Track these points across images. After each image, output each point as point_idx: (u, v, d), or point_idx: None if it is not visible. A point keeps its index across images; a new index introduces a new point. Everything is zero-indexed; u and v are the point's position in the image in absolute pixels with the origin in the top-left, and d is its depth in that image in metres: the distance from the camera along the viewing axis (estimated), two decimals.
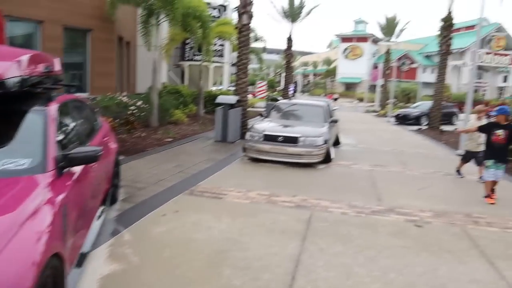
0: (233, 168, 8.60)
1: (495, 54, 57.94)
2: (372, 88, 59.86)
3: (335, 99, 43.70)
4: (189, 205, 5.81)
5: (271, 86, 75.90)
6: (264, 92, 28.69)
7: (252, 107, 30.32)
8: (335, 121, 10.70)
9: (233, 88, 15.28)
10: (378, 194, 6.91)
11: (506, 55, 58.91)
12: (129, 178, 6.84)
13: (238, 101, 12.61)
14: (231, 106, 12.04)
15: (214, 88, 27.74)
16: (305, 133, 9.00)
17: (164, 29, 17.08)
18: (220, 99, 12.29)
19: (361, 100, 48.15)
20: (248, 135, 9.37)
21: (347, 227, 5.18)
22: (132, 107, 11.60)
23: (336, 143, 12.24)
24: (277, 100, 18.66)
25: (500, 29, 58.33)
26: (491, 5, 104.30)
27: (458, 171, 8.73)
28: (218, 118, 11.89)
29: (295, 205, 6.03)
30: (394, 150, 12.24)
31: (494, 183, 6.69)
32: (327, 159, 9.22)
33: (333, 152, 10.05)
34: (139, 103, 12.01)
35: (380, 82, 39.13)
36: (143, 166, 8.04)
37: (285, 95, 29.56)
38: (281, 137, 8.90)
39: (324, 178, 8.08)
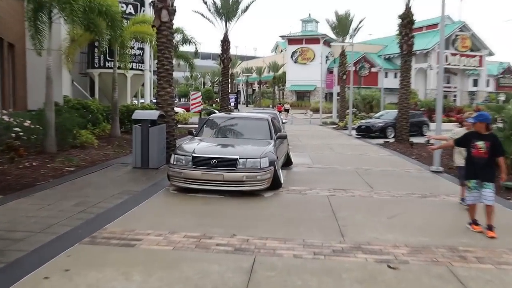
0: (153, 203, 7.95)
1: (462, 55, 61.69)
2: (329, 96, 61.47)
3: (286, 110, 43.99)
4: (86, 259, 5.09)
5: (209, 97, 75.79)
6: (200, 105, 28.22)
7: (185, 123, 29.77)
8: (283, 137, 10.38)
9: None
10: (339, 227, 6.54)
11: (473, 56, 62.87)
12: (1, 227, 5.99)
13: (161, 116, 12.00)
14: (153, 123, 11.41)
15: (134, 102, 26.83)
16: (246, 154, 8.57)
17: (62, 29, 16.20)
18: (137, 114, 11.65)
19: (316, 111, 48.94)
20: (173, 159, 8.78)
21: (302, 276, 4.71)
22: (17, 129, 10.62)
23: (287, 163, 11.94)
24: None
25: (464, 28, 62.20)
26: (452, 2, 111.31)
27: (462, 199, 7.98)
28: (136, 138, 11.22)
29: (234, 249, 5.50)
30: (357, 170, 12.10)
31: (486, 206, 6.40)
32: (275, 184, 8.83)
33: (282, 175, 9.68)
34: (26, 123, 11.04)
35: (336, 89, 39.94)
36: (27, 207, 7.18)
37: (224, 108, 29.21)
38: (215, 160, 8.39)
39: (271, 209, 7.64)
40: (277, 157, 9.35)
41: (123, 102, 21.74)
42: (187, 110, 32.20)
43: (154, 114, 11.70)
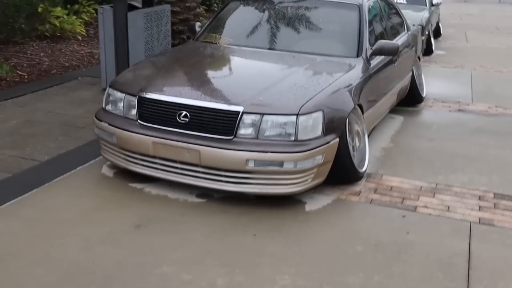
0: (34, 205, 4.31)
1: None
2: None
3: None
4: None
5: None
6: None
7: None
8: (391, 52, 5.77)
9: None
10: None
11: None
12: None
13: None
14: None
15: None
16: (265, 100, 4.46)
17: None
18: None
19: None
20: (105, 100, 4.94)
21: None
22: None
23: (411, 97, 7.53)
24: None
25: None
26: None
27: None
28: (105, 33, 7.45)
29: None
30: None
31: None
32: (341, 173, 4.76)
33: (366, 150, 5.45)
34: None
35: None
36: None
37: None
38: (185, 112, 4.38)
39: (314, 253, 3.62)
40: (362, 107, 5.10)
41: None
42: None
43: None
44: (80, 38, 10.82)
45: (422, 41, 10.94)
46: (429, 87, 8.66)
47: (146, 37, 7.53)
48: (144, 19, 7.46)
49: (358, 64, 5.37)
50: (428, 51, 11.56)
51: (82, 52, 10.00)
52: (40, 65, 8.81)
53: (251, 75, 4.99)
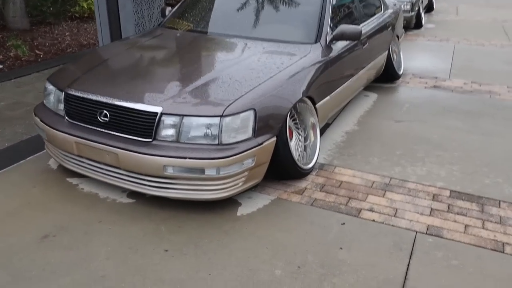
0: None
1: None
2: None
3: None
4: None
5: None
6: None
7: None
8: (354, 36, 4.24)
9: None
10: None
11: None
12: None
13: None
14: None
15: None
16: (192, 99, 3.11)
17: None
18: None
19: None
20: (44, 94, 3.69)
21: None
22: None
23: (386, 75, 6.03)
24: None
25: None
26: None
27: None
28: (101, 16, 6.14)
29: None
30: None
31: None
32: (281, 170, 3.48)
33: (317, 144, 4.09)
34: None
35: None
36: None
37: None
38: (105, 110, 3.11)
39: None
40: (313, 99, 3.69)
41: None
42: None
43: None
44: None
45: (412, 16, 9.20)
46: (410, 62, 7.09)
47: (136, 19, 6.17)
48: (133, 2, 6.09)
49: (314, 51, 3.92)
50: (417, 25, 9.78)
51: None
52: (60, 44, 7.61)
53: (184, 70, 3.57)
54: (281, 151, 3.26)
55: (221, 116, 2.92)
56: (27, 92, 5.48)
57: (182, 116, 2.94)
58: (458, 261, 2.74)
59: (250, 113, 3.03)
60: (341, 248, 2.84)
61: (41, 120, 3.41)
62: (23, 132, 4.41)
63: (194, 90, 3.17)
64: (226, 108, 2.95)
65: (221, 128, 2.92)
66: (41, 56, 6.91)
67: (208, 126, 2.93)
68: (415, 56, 7.46)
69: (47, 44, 7.51)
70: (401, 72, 6.25)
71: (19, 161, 3.86)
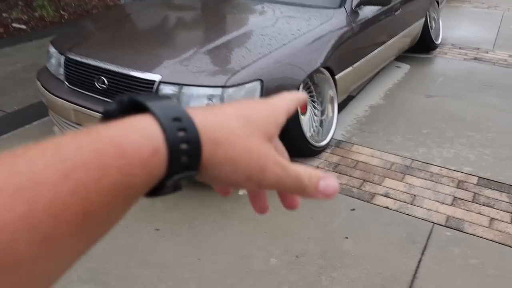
0: None
1: None
2: None
3: None
4: None
5: None
6: None
7: None
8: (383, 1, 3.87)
9: None
10: None
11: None
12: None
13: None
14: None
15: None
16: (194, 67, 2.86)
17: None
18: None
19: None
20: (46, 57, 3.51)
21: None
22: None
23: (423, 43, 5.58)
24: None
25: None
26: None
27: None
28: None
29: None
30: None
31: None
32: (293, 150, 3.09)
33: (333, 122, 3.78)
34: None
35: None
36: None
37: None
38: (103, 77, 2.90)
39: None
40: (331, 69, 3.36)
41: None
42: None
43: None
44: None
45: None
46: (451, 30, 6.54)
47: None
48: None
49: (337, 16, 3.57)
50: None
51: None
52: (86, 5, 7.43)
53: (189, 35, 3.29)
54: (291, 125, 2.99)
55: (223, 86, 2.66)
56: (45, 54, 5.35)
57: (182, 85, 2.70)
58: (478, 260, 2.45)
59: (257, 84, 2.76)
60: (346, 238, 2.59)
61: (42, 85, 3.24)
62: (34, 95, 4.28)
63: (197, 57, 2.91)
64: (229, 78, 2.69)
65: (224, 99, 2.67)
66: (66, 17, 6.76)
67: (210, 97, 2.68)
68: (457, 25, 6.90)
69: (73, 4, 7.34)
70: (438, 42, 5.77)
71: (24, 125, 3.75)
